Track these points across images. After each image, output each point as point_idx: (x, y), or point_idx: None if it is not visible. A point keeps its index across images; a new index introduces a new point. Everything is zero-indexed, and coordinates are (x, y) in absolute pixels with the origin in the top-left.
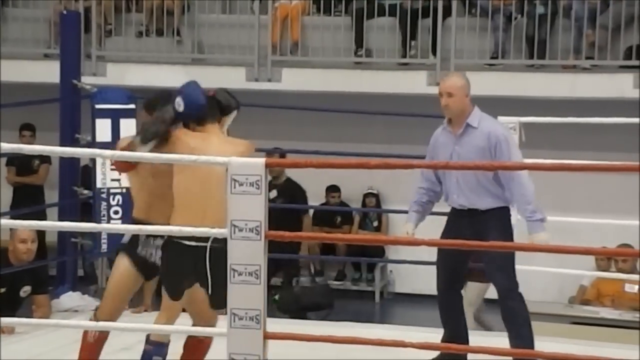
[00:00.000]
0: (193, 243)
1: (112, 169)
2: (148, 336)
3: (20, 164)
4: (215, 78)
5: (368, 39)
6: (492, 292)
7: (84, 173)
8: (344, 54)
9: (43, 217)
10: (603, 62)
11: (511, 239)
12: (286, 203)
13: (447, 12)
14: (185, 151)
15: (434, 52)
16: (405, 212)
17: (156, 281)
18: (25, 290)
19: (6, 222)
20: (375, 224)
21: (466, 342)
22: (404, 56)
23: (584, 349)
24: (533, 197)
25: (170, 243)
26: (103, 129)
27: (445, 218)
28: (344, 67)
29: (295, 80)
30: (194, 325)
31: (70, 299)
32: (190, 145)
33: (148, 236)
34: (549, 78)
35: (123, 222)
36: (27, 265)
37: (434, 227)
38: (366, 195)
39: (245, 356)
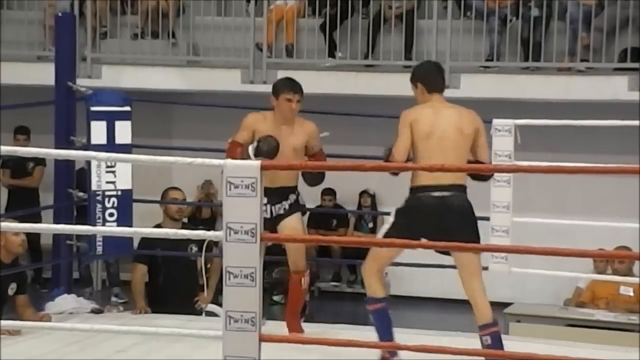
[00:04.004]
0: (437, 193)
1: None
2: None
3: (15, 166)
4: (211, 80)
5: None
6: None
7: (80, 176)
8: (340, 56)
9: (38, 219)
10: (598, 65)
11: None
12: None
13: (433, 14)
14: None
15: (429, 55)
16: None
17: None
18: (12, 287)
19: (5, 224)
20: (371, 225)
21: None
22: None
23: (578, 351)
24: None
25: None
26: (98, 132)
27: None
28: (339, 70)
29: None
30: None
31: (65, 301)
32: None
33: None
34: (544, 80)
35: (118, 225)
36: (12, 269)
37: None
38: (361, 194)
39: (240, 358)
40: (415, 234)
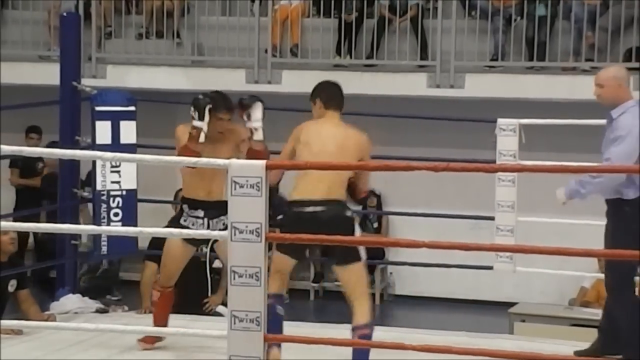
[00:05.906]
0: (310, 209)
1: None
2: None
3: (24, 166)
4: (215, 80)
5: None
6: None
7: (89, 178)
8: (344, 56)
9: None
10: (602, 64)
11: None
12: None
13: (437, 14)
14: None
15: (433, 54)
16: (405, 214)
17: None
18: (12, 284)
19: (7, 223)
20: (375, 225)
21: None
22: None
23: None
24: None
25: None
26: (103, 131)
27: (443, 220)
28: (344, 69)
29: (295, 82)
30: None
31: (70, 301)
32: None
33: (190, 208)
34: (548, 80)
35: (123, 225)
36: (10, 268)
37: (434, 229)
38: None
39: (245, 358)
40: (299, 247)
